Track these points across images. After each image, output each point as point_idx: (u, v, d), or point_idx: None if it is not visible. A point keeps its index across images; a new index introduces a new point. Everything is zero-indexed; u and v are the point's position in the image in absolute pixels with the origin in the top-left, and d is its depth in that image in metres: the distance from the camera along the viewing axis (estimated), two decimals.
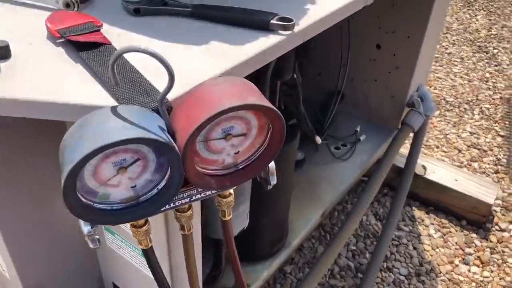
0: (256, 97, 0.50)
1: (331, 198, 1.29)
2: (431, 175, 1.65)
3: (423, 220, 1.64)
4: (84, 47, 0.63)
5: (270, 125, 0.54)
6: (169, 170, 0.52)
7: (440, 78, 2.39)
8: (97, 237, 0.54)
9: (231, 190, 0.63)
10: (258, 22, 0.72)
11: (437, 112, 2.15)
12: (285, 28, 0.72)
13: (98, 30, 0.67)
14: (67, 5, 0.74)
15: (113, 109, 0.48)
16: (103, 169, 0.49)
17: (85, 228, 0.52)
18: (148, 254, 0.62)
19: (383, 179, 1.35)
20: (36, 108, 0.56)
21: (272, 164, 0.59)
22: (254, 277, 1.06)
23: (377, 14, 1.39)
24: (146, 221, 0.59)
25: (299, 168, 1.34)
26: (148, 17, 0.75)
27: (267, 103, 0.50)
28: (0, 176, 0.67)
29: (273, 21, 0.72)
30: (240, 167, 0.57)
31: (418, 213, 1.67)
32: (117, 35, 0.69)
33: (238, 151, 0.55)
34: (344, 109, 1.56)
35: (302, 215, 1.23)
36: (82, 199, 0.49)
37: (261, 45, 0.69)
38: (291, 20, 0.72)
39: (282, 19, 0.72)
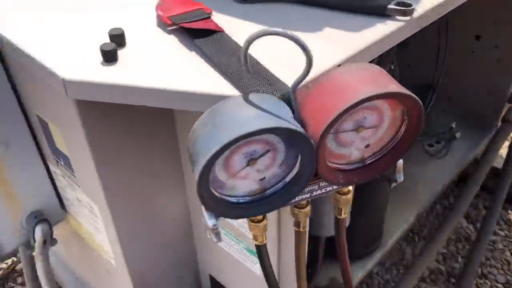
0: (396, 84, 0.46)
1: (428, 198, 1.22)
2: None
3: None
4: (197, 34, 0.62)
5: (405, 117, 0.50)
6: (297, 163, 0.49)
7: None
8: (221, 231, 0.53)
9: (350, 187, 0.59)
10: (375, 8, 0.67)
11: None
12: (403, 13, 0.67)
13: (209, 17, 0.66)
14: None
15: (245, 98, 0.46)
16: (233, 160, 0.46)
17: (210, 221, 0.50)
18: (261, 251, 0.60)
19: (481, 181, 1.26)
20: (158, 96, 0.55)
21: (400, 160, 0.55)
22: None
23: (477, 1, 1.29)
24: (264, 216, 0.57)
25: None
26: (256, 4, 0.72)
27: (409, 92, 0.46)
28: (111, 164, 0.67)
29: (391, 6, 0.67)
30: (368, 162, 0.53)
31: None
32: (226, 22, 0.67)
33: (368, 145, 0.51)
34: (439, 104, 1.46)
35: (397, 215, 1.16)
36: (213, 191, 0.47)
37: (379, 32, 0.64)
38: (409, 4, 0.67)
39: (401, 3, 0.67)
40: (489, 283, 1.36)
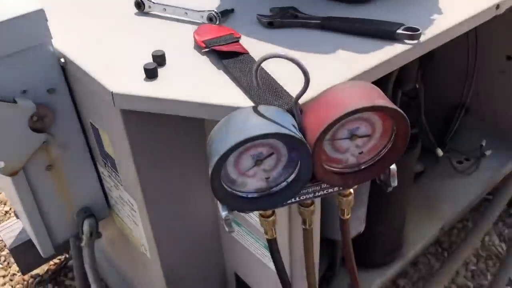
0: (383, 99, 0.54)
1: (451, 213, 1.26)
2: None
3: None
4: (226, 55, 0.72)
5: (395, 128, 0.57)
6: (299, 164, 0.57)
7: None
8: (233, 222, 0.62)
9: (351, 190, 0.66)
10: (385, 32, 0.75)
11: None
12: (411, 37, 0.74)
13: (237, 41, 0.76)
14: (210, 19, 0.84)
15: (254, 108, 0.55)
16: (243, 160, 0.56)
17: (223, 212, 0.60)
18: (272, 244, 0.68)
19: (509, 198, 1.29)
20: (188, 107, 0.65)
21: (393, 166, 0.62)
22: (368, 283, 1.08)
23: (509, 23, 1.33)
24: (273, 212, 0.65)
25: (419, 180, 1.32)
26: (280, 29, 0.82)
27: (394, 105, 0.54)
28: (149, 166, 0.78)
29: (399, 31, 0.74)
30: (363, 167, 0.61)
31: None
32: (253, 45, 0.77)
33: (362, 152, 0.59)
34: (468, 122, 1.50)
35: (419, 228, 1.21)
36: (225, 186, 0.57)
37: (386, 54, 0.72)
38: (417, 29, 0.74)
39: (409, 29, 0.75)
40: None
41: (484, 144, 1.43)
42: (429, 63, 1.26)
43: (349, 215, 0.69)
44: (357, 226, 0.94)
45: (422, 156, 1.36)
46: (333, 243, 0.97)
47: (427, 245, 1.23)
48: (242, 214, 0.81)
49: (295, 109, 0.56)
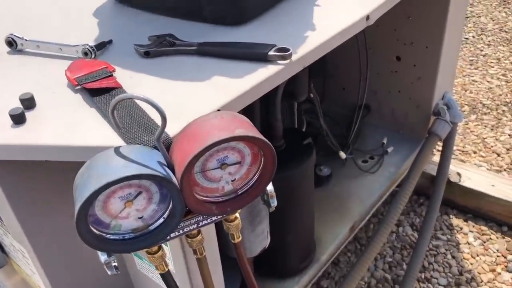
0: (244, 128, 0.55)
1: (360, 212, 1.31)
2: (466, 182, 1.62)
3: (461, 228, 1.61)
4: (97, 92, 0.70)
5: (262, 152, 0.59)
6: (172, 200, 0.57)
7: (476, 81, 2.34)
8: (115, 264, 0.60)
9: (237, 214, 0.67)
10: (257, 55, 0.77)
11: (473, 116, 2.11)
12: (283, 58, 0.76)
13: (111, 75, 0.74)
14: (85, 54, 0.82)
15: (116, 150, 0.54)
16: (111, 203, 0.54)
17: (102, 257, 0.58)
18: (166, 278, 0.68)
19: (412, 189, 1.35)
20: (56, 152, 0.63)
21: (270, 187, 0.63)
22: None
23: (393, 26, 1.41)
24: (160, 248, 0.64)
25: (326, 184, 1.36)
26: (157, 58, 0.81)
27: (254, 133, 0.55)
28: (32, 214, 0.75)
29: (271, 53, 0.76)
30: (240, 192, 0.62)
31: (456, 221, 1.64)
32: (129, 78, 0.76)
33: (235, 178, 0.60)
34: (370, 122, 1.57)
35: (330, 230, 1.25)
36: (95, 231, 0.55)
37: (259, 77, 0.73)
38: (288, 50, 0.76)
39: (280, 49, 0.77)
40: (431, 287, 1.45)
41: (385, 141, 1.50)
42: (321, 71, 1.31)
43: (240, 238, 0.70)
44: (260, 242, 0.95)
45: (329, 160, 1.41)
46: None
47: (340, 246, 1.27)
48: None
49: (158, 146, 0.56)
